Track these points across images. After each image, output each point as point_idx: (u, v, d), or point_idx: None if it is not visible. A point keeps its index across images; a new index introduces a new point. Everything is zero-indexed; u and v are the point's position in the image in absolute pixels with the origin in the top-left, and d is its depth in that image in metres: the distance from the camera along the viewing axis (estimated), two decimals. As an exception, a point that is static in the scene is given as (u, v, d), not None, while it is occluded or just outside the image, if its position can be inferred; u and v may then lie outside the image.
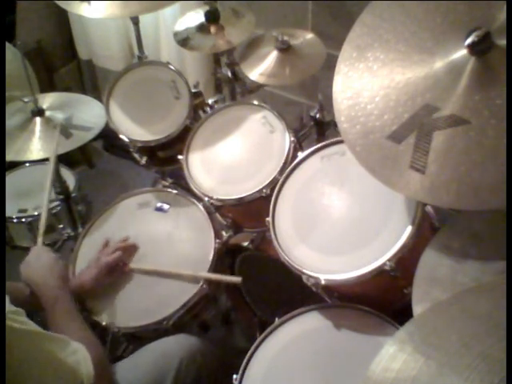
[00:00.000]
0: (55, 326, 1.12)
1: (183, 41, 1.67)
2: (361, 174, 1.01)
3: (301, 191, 1.28)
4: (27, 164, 2.00)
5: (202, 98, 1.72)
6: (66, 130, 1.51)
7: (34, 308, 1.17)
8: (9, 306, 0.95)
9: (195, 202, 1.49)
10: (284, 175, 1.31)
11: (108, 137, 1.59)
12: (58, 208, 1.76)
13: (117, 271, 1.36)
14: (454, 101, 0.92)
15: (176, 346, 1.24)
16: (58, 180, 1.63)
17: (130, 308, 1.33)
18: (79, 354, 1.03)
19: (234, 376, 1.12)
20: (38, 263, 1.25)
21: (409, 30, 1.00)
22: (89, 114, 1.60)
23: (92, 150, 2.52)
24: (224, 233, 1.50)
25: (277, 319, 1.20)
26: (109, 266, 1.33)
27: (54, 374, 0.98)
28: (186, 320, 1.35)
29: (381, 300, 1.19)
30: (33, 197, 1.87)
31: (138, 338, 1.37)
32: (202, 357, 1.24)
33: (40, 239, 1.34)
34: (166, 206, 1.52)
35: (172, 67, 1.64)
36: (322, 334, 1.15)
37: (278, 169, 1.36)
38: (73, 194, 1.74)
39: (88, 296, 1.34)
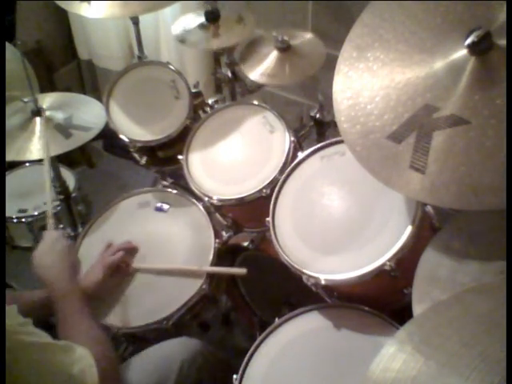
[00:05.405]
0: (63, 323, 1.10)
1: (182, 37, 1.66)
2: (361, 173, 1.01)
3: (301, 191, 1.28)
4: (27, 164, 2.01)
5: (202, 97, 1.72)
6: (65, 129, 1.51)
7: (46, 312, 1.15)
8: (16, 317, 0.93)
9: (195, 202, 1.49)
10: (284, 175, 1.31)
11: (108, 137, 1.59)
12: (58, 208, 1.76)
13: (119, 272, 1.36)
14: (454, 101, 0.92)
15: (177, 349, 1.24)
16: (58, 180, 1.64)
17: (130, 308, 1.33)
18: (84, 362, 0.99)
19: (234, 376, 1.12)
20: (51, 256, 1.20)
21: (409, 30, 1.00)
22: (89, 114, 1.60)
23: (92, 150, 2.52)
24: (224, 233, 1.50)
25: (277, 319, 1.20)
26: (111, 267, 1.32)
27: None
28: (186, 320, 1.34)
29: (381, 300, 1.19)
30: (33, 197, 1.87)
31: (138, 338, 1.37)
32: (202, 358, 1.24)
33: (51, 221, 1.31)
34: (165, 206, 1.52)
35: (172, 67, 1.64)
36: (322, 334, 1.15)
37: (278, 169, 1.36)
38: (73, 194, 1.75)
39: (91, 299, 1.33)
